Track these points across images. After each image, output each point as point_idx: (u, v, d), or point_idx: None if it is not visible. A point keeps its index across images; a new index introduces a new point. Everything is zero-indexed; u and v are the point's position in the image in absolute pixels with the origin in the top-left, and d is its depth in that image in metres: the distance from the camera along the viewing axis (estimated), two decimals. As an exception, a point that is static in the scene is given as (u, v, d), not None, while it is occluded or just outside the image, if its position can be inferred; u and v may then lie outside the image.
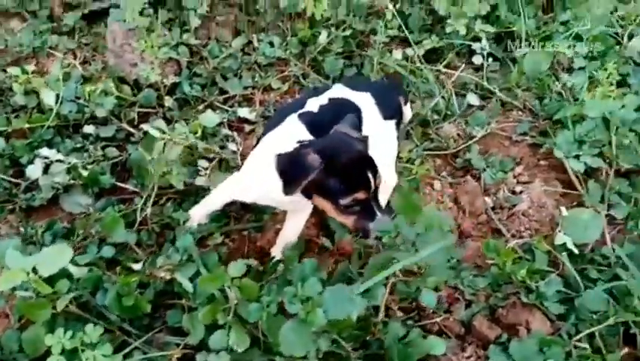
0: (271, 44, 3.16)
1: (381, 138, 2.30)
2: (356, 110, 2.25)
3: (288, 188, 1.79)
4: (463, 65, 3.17)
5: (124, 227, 2.10)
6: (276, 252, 2.20)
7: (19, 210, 2.32)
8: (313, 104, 2.23)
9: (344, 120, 2.00)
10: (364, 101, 2.31)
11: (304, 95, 2.55)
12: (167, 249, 2.07)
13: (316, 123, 2.11)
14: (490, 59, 3.15)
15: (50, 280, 1.62)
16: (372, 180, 1.80)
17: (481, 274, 2.16)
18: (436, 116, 2.94)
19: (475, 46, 3.18)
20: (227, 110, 2.92)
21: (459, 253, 2.25)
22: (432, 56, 3.29)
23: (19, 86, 2.69)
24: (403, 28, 3.19)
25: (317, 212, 2.42)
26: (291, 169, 1.80)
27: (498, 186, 2.58)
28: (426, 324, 2.02)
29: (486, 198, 2.53)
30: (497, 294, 2.08)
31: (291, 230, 2.24)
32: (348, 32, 3.18)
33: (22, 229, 2.20)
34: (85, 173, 2.40)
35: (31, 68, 2.73)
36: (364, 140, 1.96)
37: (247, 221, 2.40)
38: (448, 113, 2.98)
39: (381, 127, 2.33)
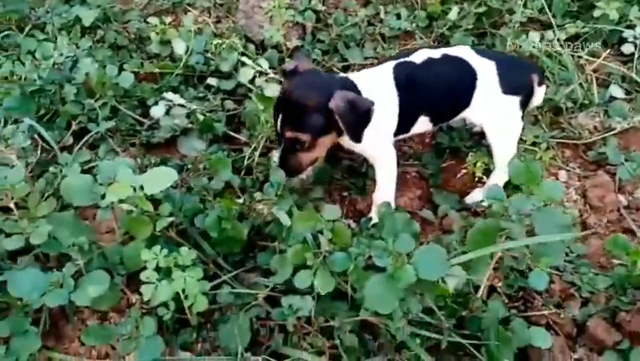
0: (398, 16, 3.06)
1: (493, 112, 2.14)
2: (470, 75, 2.10)
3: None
4: (609, 52, 2.84)
5: (230, 170, 2.12)
6: (373, 214, 2.11)
7: (139, 145, 2.44)
8: (421, 56, 2.10)
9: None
10: (485, 68, 2.12)
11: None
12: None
13: (410, 77, 2.04)
14: (643, 50, 2.79)
15: (154, 200, 1.68)
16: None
17: (603, 274, 1.91)
18: (570, 105, 2.66)
19: (627, 33, 2.84)
20: (345, 78, 2.87)
21: (580, 248, 2.01)
22: (574, 43, 2.99)
23: (156, 35, 2.85)
24: (546, 9, 2.94)
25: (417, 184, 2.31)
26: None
27: (636, 185, 2.26)
28: (532, 315, 1.82)
29: (620, 196, 2.23)
30: (622, 297, 1.81)
31: (380, 190, 2.13)
32: (481, 9, 2.99)
33: (139, 160, 2.31)
34: (201, 118, 2.49)
35: (168, 20, 2.89)
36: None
37: (349, 183, 2.33)
38: (586, 102, 2.68)
39: (498, 101, 2.14)
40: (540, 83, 2.32)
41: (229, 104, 2.69)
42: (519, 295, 1.86)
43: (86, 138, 2.25)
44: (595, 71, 2.81)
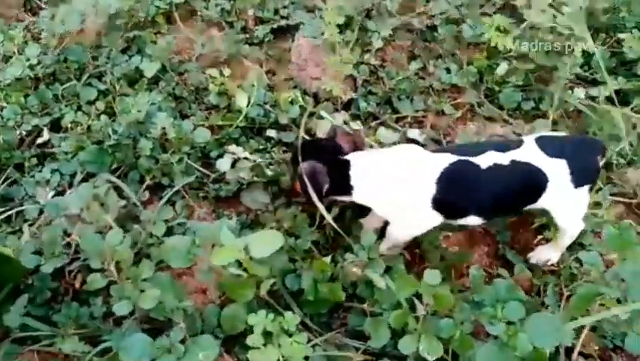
0: (448, 70, 3.16)
1: (564, 205, 2.19)
2: (541, 181, 2.11)
3: None
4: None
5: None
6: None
7: (210, 198, 2.48)
8: (487, 160, 2.09)
9: None
10: (557, 169, 2.12)
11: (489, 143, 2.41)
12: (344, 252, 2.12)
13: (466, 179, 2.09)
14: (688, 108, 2.90)
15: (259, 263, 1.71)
16: None
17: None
18: (620, 160, 2.75)
19: (670, 91, 2.95)
20: (398, 130, 2.95)
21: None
22: (617, 98, 3.09)
23: (215, 87, 2.92)
24: (590, 65, 3.05)
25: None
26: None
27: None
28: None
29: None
30: None
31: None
32: (530, 66, 3.09)
33: (213, 215, 2.34)
34: (269, 172, 2.54)
35: (226, 71, 2.96)
36: None
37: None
38: (634, 158, 2.77)
39: (570, 195, 2.16)
40: (603, 157, 2.32)
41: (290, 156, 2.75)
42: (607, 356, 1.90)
43: (168, 195, 2.28)
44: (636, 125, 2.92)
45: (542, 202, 2.16)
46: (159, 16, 3.25)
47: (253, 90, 2.85)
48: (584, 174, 2.15)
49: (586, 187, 2.18)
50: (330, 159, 2.14)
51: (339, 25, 3.30)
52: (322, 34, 3.13)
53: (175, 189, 2.32)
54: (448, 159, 2.09)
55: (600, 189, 2.59)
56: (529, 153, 2.14)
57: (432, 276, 1.70)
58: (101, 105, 2.82)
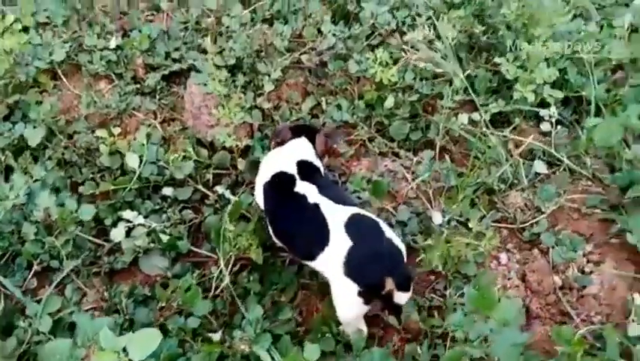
0: (339, 107, 3.25)
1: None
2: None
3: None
4: (532, 136, 3.16)
5: (201, 297, 2.21)
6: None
7: (103, 275, 2.47)
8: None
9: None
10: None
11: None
12: (240, 319, 2.18)
13: None
14: (559, 126, 3.13)
15: (139, 362, 1.73)
16: None
17: (549, 361, 2.15)
18: (502, 185, 2.94)
19: (543, 112, 3.17)
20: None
21: (527, 337, 2.24)
22: (498, 120, 3.29)
23: (106, 147, 2.88)
24: (470, 91, 3.23)
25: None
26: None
27: (567, 264, 2.55)
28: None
29: (555, 277, 2.51)
30: (567, 385, 2.05)
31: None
32: (414, 97, 3.24)
33: (106, 294, 2.34)
34: (164, 238, 2.55)
35: (117, 130, 2.93)
36: None
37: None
38: (515, 181, 2.98)
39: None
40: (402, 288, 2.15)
41: (188, 214, 2.78)
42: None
43: (54, 283, 2.26)
44: (518, 145, 3.13)
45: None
46: (42, 75, 3.15)
47: (144, 148, 2.84)
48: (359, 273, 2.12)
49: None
50: None
51: (229, 69, 3.35)
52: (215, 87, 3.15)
53: (62, 276, 2.30)
54: None
55: (483, 217, 2.78)
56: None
57: (311, 351, 1.79)
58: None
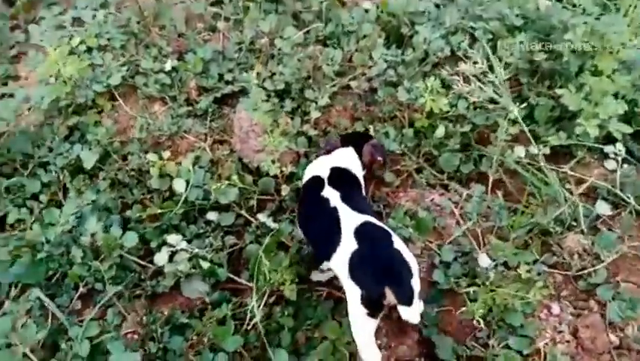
0: (387, 135, 3.18)
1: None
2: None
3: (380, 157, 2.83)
4: (595, 173, 2.96)
5: (232, 333, 2.20)
6: None
7: (145, 298, 2.52)
8: None
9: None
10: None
11: None
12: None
13: None
14: (626, 164, 2.91)
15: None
16: None
17: None
18: (558, 227, 2.76)
19: (609, 149, 2.96)
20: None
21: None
22: (559, 153, 3.11)
23: (155, 170, 2.95)
24: (523, 126, 3.05)
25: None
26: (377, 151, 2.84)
27: (626, 322, 2.35)
28: None
29: (611, 335, 2.32)
30: None
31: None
32: (467, 127, 3.11)
33: (145, 318, 2.38)
34: (205, 265, 2.58)
35: (166, 154, 2.99)
36: None
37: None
38: (573, 223, 2.79)
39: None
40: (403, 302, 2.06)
41: (230, 239, 2.79)
42: None
43: (95, 309, 2.32)
44: (579, 183, 2.93)
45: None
46: (100, 97, 3.27)
47: (191, 173, 2.88)
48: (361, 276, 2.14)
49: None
50: None
51: (278, 93, 3.36)
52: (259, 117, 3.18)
53: (105, 299, 2.36)
54: None
55: (535, 261, 2.62)
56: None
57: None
58: (44, 198, 2.86)
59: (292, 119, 3.26)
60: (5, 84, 3.57)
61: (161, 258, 2.61)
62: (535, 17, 3.61)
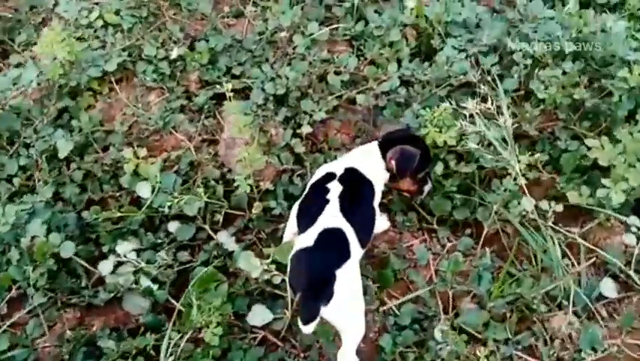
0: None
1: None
2: None
3: (406, 172, 2.46)
4: (612, 242, 2.50)
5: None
6: None
7: (79, 308, 2.44)
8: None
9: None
10: None
11: None
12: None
13: None
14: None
15: None
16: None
17: None
18: (544, 306, 2.36)
19: (631, 221, 2.47)
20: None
21: None
22: (577, 210, 2.64)
23: (129, 167, 2.83)
24: (521, 181, 2.57)
25: None
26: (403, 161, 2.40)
27: None
28: None
29: None
30: None
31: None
32: (471, 168, 2.72)
33: (68, 334, 2.29)
34: (144, 283, 2.46)
35: (142, 152, 2.85)
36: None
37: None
38: (564, 302, 2.37)
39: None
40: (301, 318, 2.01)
41: (183, 256, 2.64)
42: None
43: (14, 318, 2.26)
44: (590, 253, 2.49)
45: None
46: (96, 82, 3.19)
47: (157, 179, 2.74)
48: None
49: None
50: None
51: (278, 98, 3.11)
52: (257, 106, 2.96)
53: (28, 309, 2.30)
54: None
55: (507, 340, 2.25)
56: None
57: None
58: (17, 182, 2.85)
59: (284, 129, 3.01)
60: (24, 50, 3.58)
61: (105, 267, 2.52)
62: (592, 44, 3.07)
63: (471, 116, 2.52)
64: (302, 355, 2.27)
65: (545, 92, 2.85)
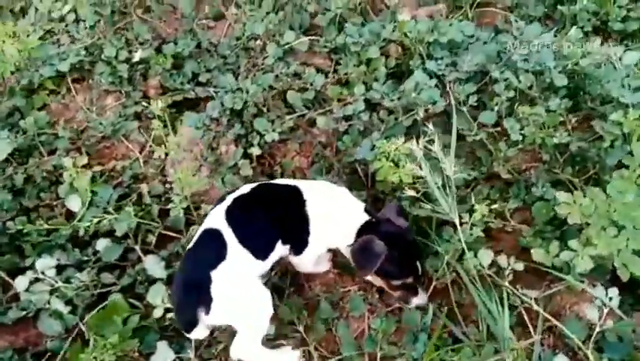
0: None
1: None
2: None
3: (363, 271, 2.18)
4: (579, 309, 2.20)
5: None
6: None
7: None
8: None
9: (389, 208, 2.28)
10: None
11: None
12: None
13: None
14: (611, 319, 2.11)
15: None
16: (419, 268, 2.17)
17: None
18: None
19: (596, 293, 2.15)
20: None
21: None
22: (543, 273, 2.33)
23: (68, 176, 2.68)
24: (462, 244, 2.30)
25: None
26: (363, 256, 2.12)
27: None
28: None
29: None
30: None
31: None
32: (423, 212, 2.43)
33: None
34: (55, 304, 2.30)
35: (82, 160, 2.71)
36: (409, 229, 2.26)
37: None
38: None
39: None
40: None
41: (107, 278, 2.47)
42: None
43: None
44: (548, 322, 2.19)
45: None
46: (48, 81, 3.04)
47: (87, 193, 2.58)
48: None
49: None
50: None
51: (236, 112, 2.89)
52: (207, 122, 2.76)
53: None
54: None
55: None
56: None
57: None
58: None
59: (237, 146, 2.80)
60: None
61: (20, 283, 2.38)
62: (588, 79, 2.74)
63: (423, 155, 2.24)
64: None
65: (520, 133, 2.54)
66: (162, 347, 2.16)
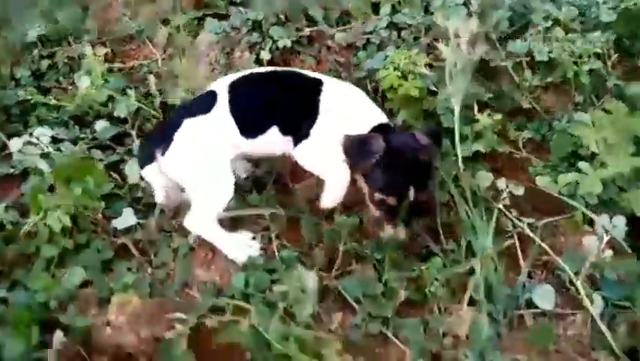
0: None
1: None
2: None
3: (350, 163, 1.93)
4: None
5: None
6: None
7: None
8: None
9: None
10: None
11: None
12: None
13: None
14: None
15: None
16: (410, 195, 1.83)
17: None
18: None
19: (603, 220, 1.85)
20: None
21: None
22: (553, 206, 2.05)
23: (87, 63, 2.74)
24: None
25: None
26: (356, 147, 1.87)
27: None
28: None
29: None
30: None
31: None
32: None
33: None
34: (41, 165, 2.31)
35: (104, 51, 2.79)
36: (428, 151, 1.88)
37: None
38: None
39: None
40: None
41: (95, 153, 2.47)
42: None
43: None
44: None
45: None
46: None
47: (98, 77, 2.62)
48: None
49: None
50: None
51: (257, 23, 2.84)
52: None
53: None
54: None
55: None
56: None
57: None
58: None
59: (250, 54, 2.74)
60: None
61: (15, 144, 2.42)
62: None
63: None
64: (150, 270, 1.98)
65: (548, 55, 2.29)
66: (127, 212, 2.11)
